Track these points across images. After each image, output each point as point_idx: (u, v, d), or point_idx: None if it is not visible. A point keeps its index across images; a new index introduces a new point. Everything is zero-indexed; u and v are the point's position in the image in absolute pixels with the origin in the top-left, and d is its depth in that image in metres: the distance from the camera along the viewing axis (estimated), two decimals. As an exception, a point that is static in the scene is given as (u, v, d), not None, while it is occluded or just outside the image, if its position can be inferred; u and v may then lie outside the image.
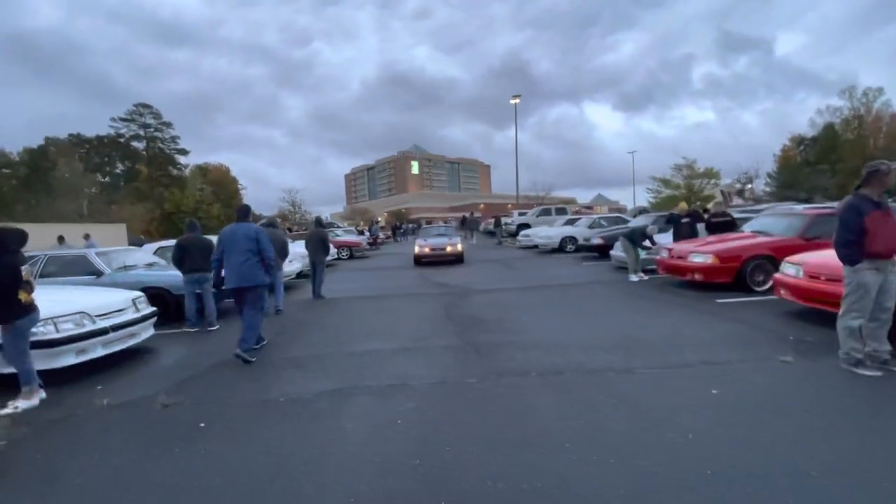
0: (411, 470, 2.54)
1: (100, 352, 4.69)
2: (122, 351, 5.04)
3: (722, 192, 38.71)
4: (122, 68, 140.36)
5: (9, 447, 3.13)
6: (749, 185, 42.65)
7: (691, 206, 14.68)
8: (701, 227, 9.60)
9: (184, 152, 49.90)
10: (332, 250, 12.81)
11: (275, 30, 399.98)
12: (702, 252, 7.37)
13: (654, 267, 9.40)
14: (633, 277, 9.09)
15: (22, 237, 3.99)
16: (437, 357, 4.72)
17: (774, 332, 4.98)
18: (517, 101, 32.86)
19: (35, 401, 3.86)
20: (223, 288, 5.17)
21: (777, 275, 5.80)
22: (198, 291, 6.74)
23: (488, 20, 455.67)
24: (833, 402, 3.21)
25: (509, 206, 53.06)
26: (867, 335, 3.76)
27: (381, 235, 31.97)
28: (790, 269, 5.53)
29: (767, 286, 6.98)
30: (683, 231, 9.32)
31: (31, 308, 3.92)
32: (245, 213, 5.40)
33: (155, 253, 9.46)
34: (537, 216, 24.70)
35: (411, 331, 5.89)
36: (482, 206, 73.23)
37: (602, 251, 13.31)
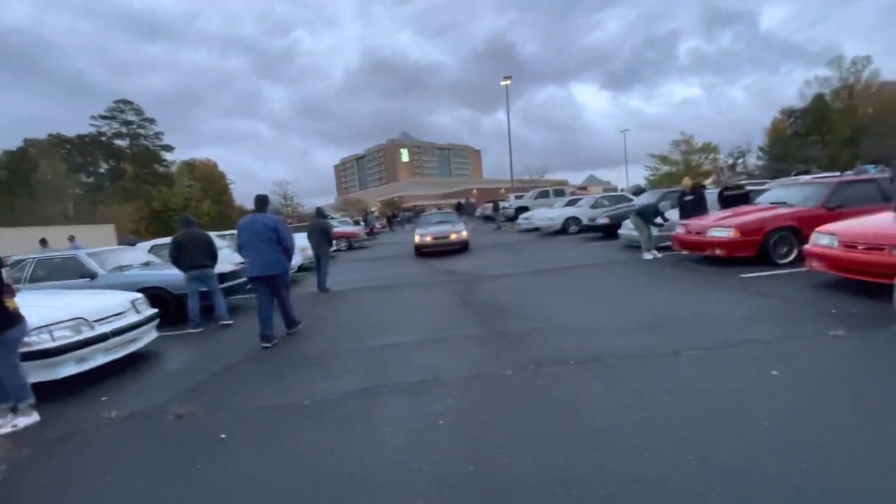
0: (468, 478, 2.27)
1: (101, 359, 4.37)
2: (125, 357, 4.72)
3: (714, 168, 38.64)
4: (97, 65, 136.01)
5: (11, 472, 2.82)
6: (741, 160, 42.68)
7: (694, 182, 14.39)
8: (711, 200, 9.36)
9: (169, 148, 48.69)
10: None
11: (253, 20, 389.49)
12: (722, 226, 7.13)
13: (667, 244, 9.18)
14: (647, 255, 8.86)
15: None
16: (464, 348, 4.44)
17: (813, 305, 4.76)
18: (508, 82, 32.17)
19: (35, 417, 3.54)
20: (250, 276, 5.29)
21: (808, 246, 5.56)
22: (202, 289, 6.39)
23: (470, 2, 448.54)
24: (905, 379, 2.99)
25: (502, 190, 52.67)
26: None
27: (377, 225, 31.55)
28: (824, 240, 5.29)
29: (791, 258, 6.78)
30: (687, 207, 9.07)
31: (19, 316, 3.57)
32: (263, 203, 5.46)
33: (149, 251, 9.05)
34: (535, 199, 24.39)
35: (429, 321, 5.61)
36: (475, 191, 72.54)
37: (608, 231, 13.07)
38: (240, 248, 5.39)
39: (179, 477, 2.59)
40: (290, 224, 23.34)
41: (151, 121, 47.19)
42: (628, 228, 10.41)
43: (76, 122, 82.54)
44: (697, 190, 9.64)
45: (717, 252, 7.09)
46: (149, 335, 5.16)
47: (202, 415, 3.42)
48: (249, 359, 4.75)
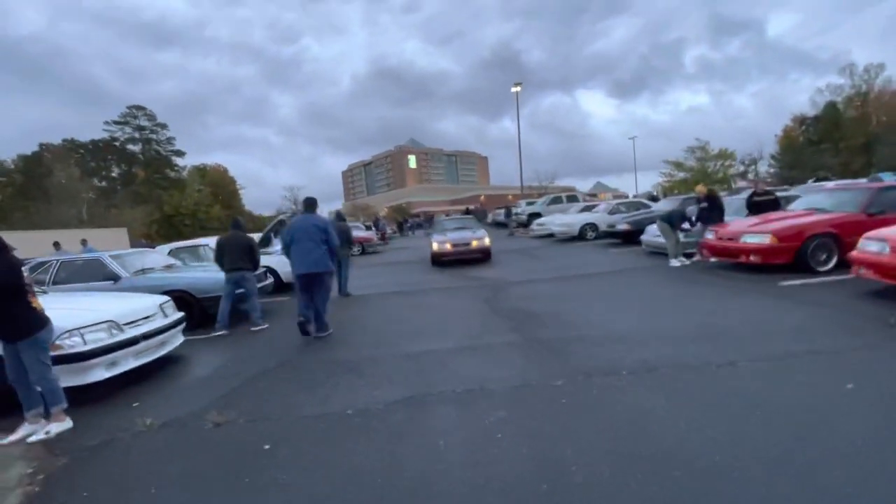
0: (544, 499, 2.10)
1: (131, 363, 4.25)
2: (153, 362, 4.60)
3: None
4: (111, 72, 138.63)
5: (48, 482, 2.68)
6: (753, 168, 42.24)
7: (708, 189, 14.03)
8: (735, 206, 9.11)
9: (180, 154, 49.26)
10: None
11: (262, 27, 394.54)
12: (758, 232, 6.92)
13: (692, 251, 8.97)
14: (675, 262, 8.65)
15: None
16: (504, 356, 4.28)
17: (867, 314, 4.55)
18: (519, 88, 32.19)
19: (68, 423, 3.42)
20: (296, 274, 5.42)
21: (854, 252, 5.36)
22: (238, 291, 6.32)
23: (477, 11, 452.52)
24: None
25: (510, 196, 52.45)
26: None
27: (388, 230, 31.50)
28: (873, 246, 5.09)
29: (831, 265, 6.56)
30: (702, 214, 8.81)
31: (46, 317, 3.46)
32: (313, 205, 5.78)
33: (169, 254, 8.99)
34: (548, 204, 24.20)
35: (461, 328, 5.45)
36: (483, 197, 72.43)
37: (627, 237, 12.85)
38: (285, 247, 5.49)
39: (226, 491, 2.44)
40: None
41: (163, 126, 47.80)
42: (652, 234, 10.20)
43: (90, 128, 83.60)
44: (712, 196, 9.35)
45: (752, 259, 6.87)
46: (176, 339, 5.05)
47: (241, 423, 3.28)
48: (281, 364, 4.61)
